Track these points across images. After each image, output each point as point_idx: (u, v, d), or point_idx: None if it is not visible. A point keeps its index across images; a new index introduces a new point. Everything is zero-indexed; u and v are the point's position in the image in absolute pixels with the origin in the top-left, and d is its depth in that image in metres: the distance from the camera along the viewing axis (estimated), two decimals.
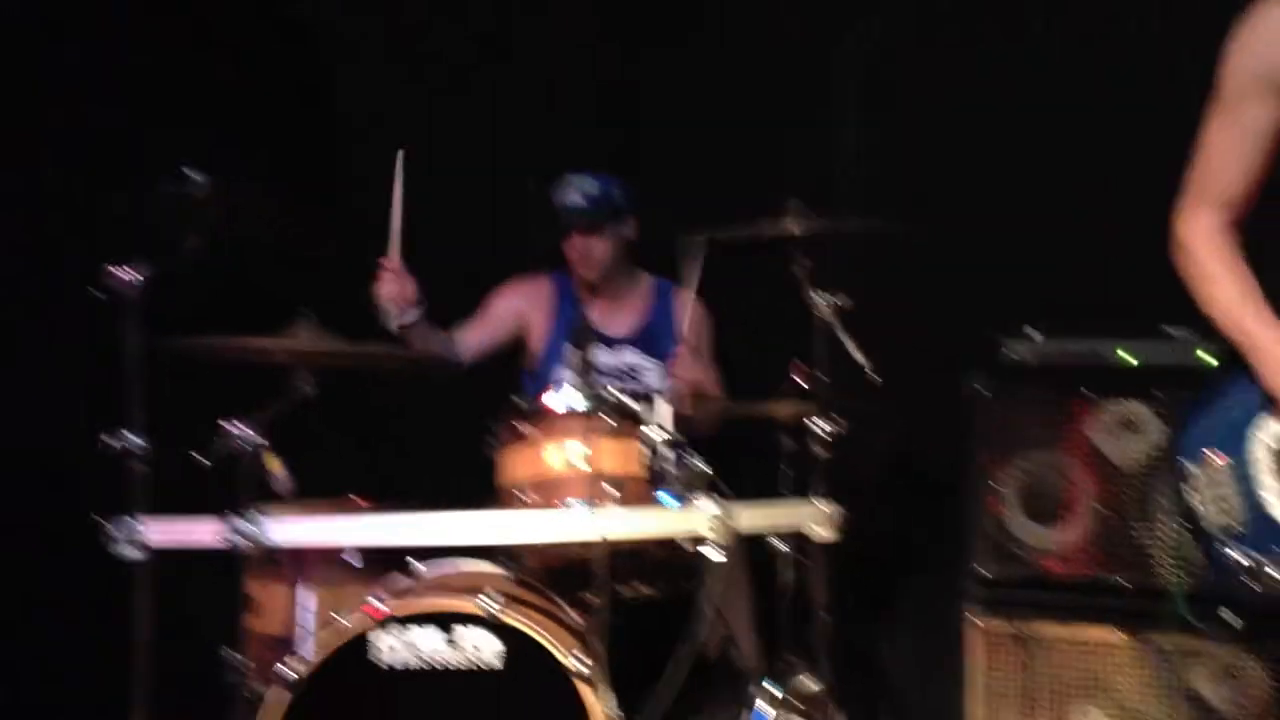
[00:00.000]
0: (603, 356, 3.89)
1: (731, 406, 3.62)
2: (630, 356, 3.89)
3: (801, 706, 3.10)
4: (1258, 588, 2.18)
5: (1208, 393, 2.35)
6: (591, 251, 3.83)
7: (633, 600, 3.24)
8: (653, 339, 3.90)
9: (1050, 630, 3.20)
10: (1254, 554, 2.19)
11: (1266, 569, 2.17)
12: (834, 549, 2.98)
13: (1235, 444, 2.25)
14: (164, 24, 4.12)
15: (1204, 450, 2.28)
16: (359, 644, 2.85)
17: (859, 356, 2.87)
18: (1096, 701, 3.15)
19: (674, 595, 3.15)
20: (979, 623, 3.26)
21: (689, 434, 3.65)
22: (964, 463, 3.28)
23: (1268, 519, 2.19)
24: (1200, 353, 3.02)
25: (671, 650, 2.93)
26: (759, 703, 3.21)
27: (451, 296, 3.78)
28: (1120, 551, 3.15)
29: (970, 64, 3.67)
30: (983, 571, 3.27)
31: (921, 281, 3.67)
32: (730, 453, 3.57)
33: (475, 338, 3.94)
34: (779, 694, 3.11)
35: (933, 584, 3.43)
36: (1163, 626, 3.02)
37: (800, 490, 2.99)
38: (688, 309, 3.72)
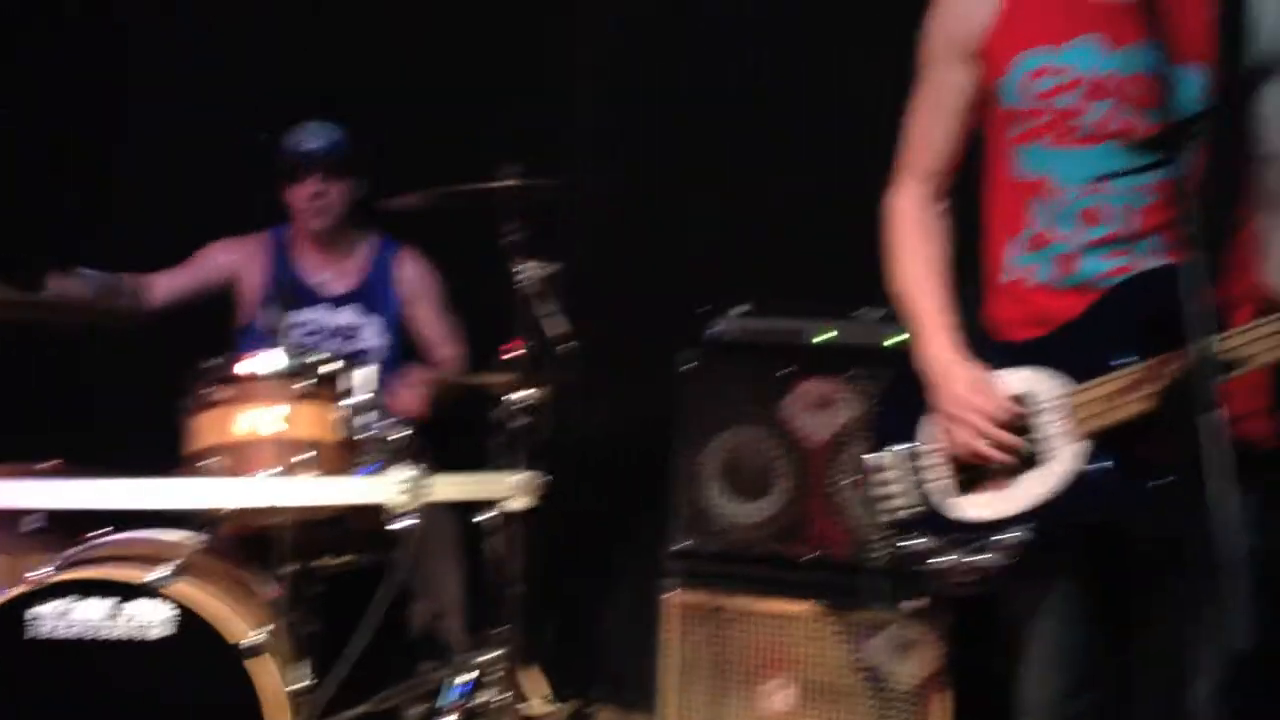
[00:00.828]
0: (321, 315, 3.78)
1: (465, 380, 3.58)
2: (349, 315, 3.78)
3: (503, 680, 3.09)
4: (930, 571, 2.23)
5: (892, 378, 2.39)
6: (325, 199, 3.72)
7: (336, 569, 3.16)
8: (373, 296, 3.81)
9: (744, 604, 3.25)
10: (926, 540, 2.23)
11: (939, 557, 2.21)
12: (545, 521, 2.97)
13: (910, 428, 2.29)
14: None
15: (885, 439, 2.32)
16: (14, 615, 2.68)
17: (560, 327, 2.84)
18: (787, 673, 3.22)
19: (376, 565, 3.07)
20: (674, 595, 3.30)
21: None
22: (669, 437, 3.30)
23: (934, 505, 2.24)
24: (888, 337, 3.11)
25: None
26: (460, 676, 3.20)
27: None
28: (815, 527, 3.22)
29: (692, 41, 3.69)
30: (681, 544, 3.31)
31: (635, 255, 3.68)
32: (441, 422, 3.54)
33: (172, 282, 3.77)
34: (480, 667, 3.09)
35: (640, 557, 3.45)
36: (851, 601, 3.11)
37: (509, 461, 2.96)
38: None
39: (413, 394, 3.51)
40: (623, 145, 3.75)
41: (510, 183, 2.90)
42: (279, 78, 4.07)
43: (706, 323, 3.33)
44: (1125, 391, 2.05)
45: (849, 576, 3.11)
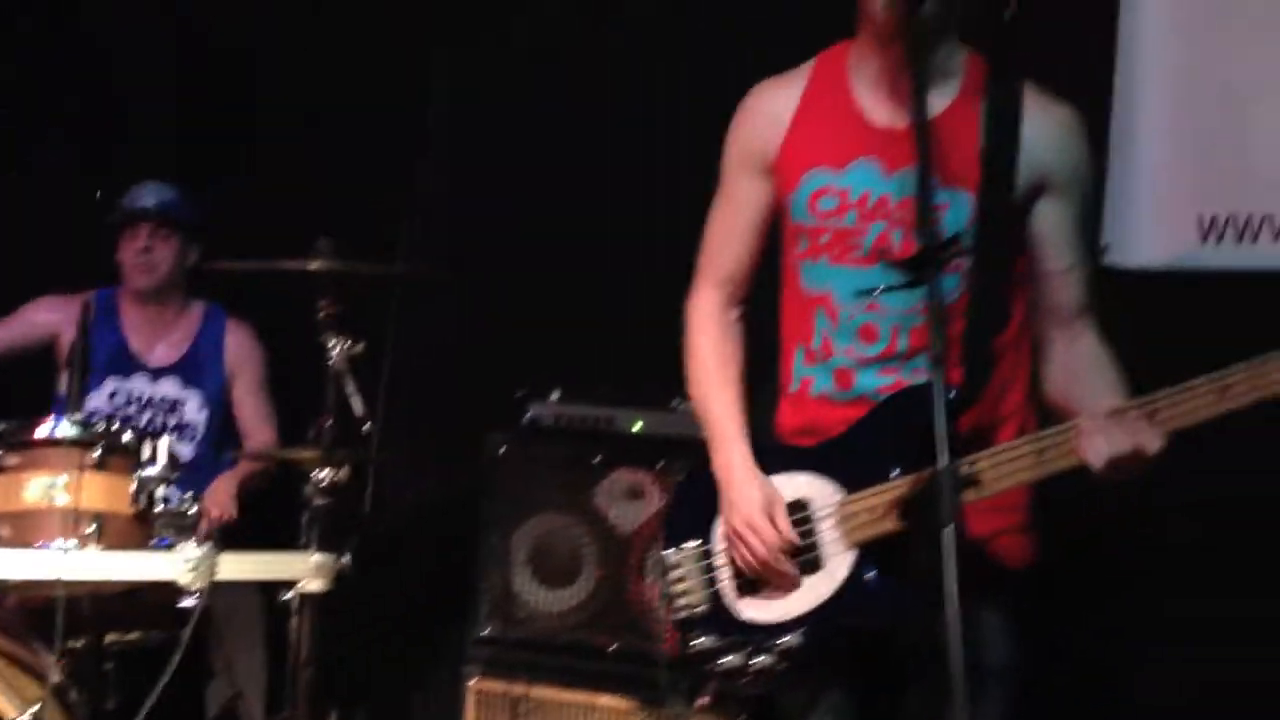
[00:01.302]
0: (143, 386, 3.71)
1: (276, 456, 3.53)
2: (170, 387, 3.72)
3: None
4: (716, 670, 2.23)
5: (686, 475, 2.43)
6: (154, 258, 3.68)
7: (126, 646, 3.06)
8: (197, 369, 3.75)
9: (546, 693, 3.22)
10: (712, 640, 2.24)
11: (722, 658, 2.22)
12: (350, 603, 2.91)
13: (704, 527, 2.31)
14: None
15: (679, 537, 2.33)
16: None
17: (358, 408, 2.81)
18: None
19: (171, 642, 2.98)
20: (475, 683, 3.25)
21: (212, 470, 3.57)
22: (479, 521, 3.27)
23: (723, 605, 2.25)
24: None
25: (169, 698, 2.77)
26: None
27: None
28: (620, 617, 3.21)
29: (520, 132, 3.75)
30: (485, 631, 3.27)
31: (454, 336, 3.68)
32: (251, 497, 3.48)
33: None
34: None
35: (446, 643, 3.41)
36: (654, 695, 3.09)
37: (317, 540, 2.90)
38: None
39: (224, 503, 3.47)
40: (447, 229, 3.77)
41: (326, 260, 2.88)
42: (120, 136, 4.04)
43: (521, 407, 3.32)
44: (889, 504, 2.11)
45: (653, 670, 3.09)
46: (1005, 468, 2.06)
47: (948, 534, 1.78)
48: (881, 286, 2.12)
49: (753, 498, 2.22)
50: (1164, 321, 2.95)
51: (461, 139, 3.87)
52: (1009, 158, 2.15)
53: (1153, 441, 1.99)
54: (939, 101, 2.15)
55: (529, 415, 3.34)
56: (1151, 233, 3.12)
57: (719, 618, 2.24)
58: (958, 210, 2.15)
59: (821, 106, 2.26)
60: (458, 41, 3.92)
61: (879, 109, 2.22)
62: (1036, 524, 2.26)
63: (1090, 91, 3.09)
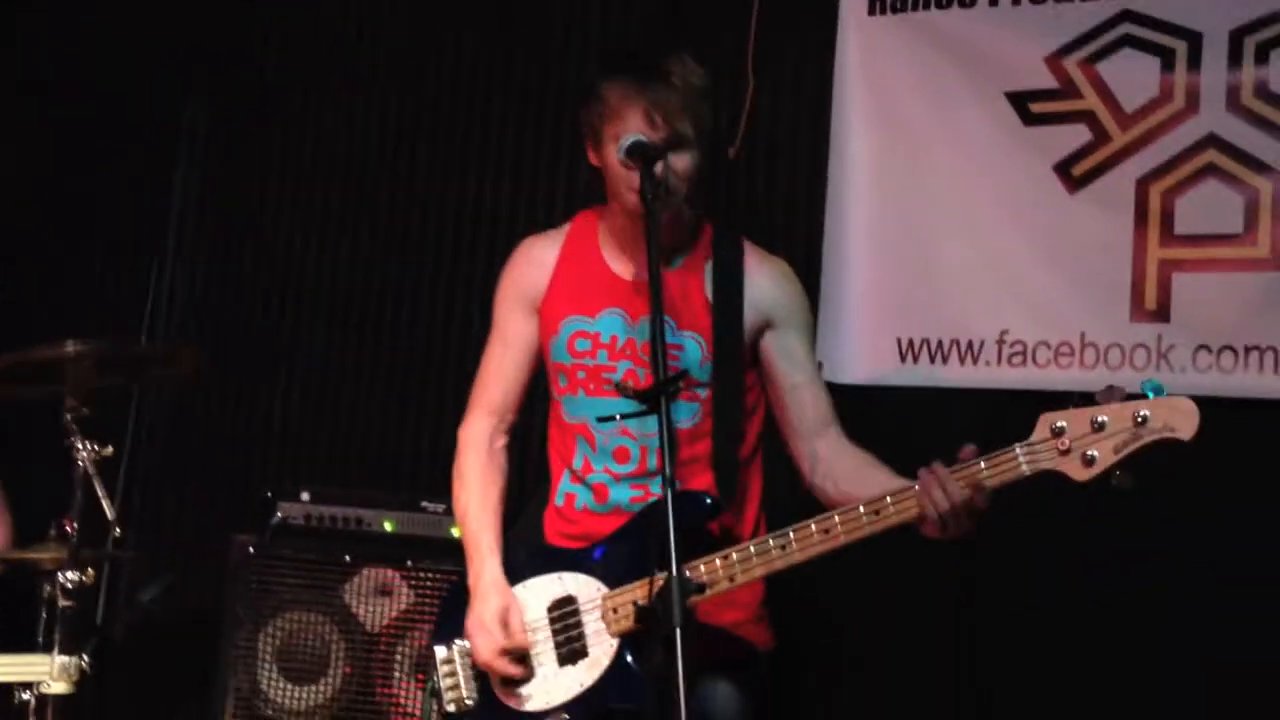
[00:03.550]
0: None
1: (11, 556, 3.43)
2: None
3: None
4: None
5: (458, 579, 2.59)
6: None
7: None
8: None
9: None
10: None
11: None
12: (93, 705, 2.89)
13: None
14: None
15: (448, 635, 2.51)
16: None
17: (109, 510, 2.83)
18: None
19: None
20: None
21: None
22: (225, 619, 3.30)
23: (493, 699, 2.45)
24: (453, 529, 3.27)
25: None
26: None
27: None
28: (368, 712, 3.29)
29: (273, 227, 3.86)
30: None
31: (207, 437, 3.71)
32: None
33: None
34: None
35: None
36: None
37: (60, 641, 2.87)
38: None
39: None
40: (198, 326, 3.81)
41: (73, 359, 2.89)
42: None
43: (269, 507, 3.38)
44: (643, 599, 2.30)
45: None
46: (725, 571, 2.33)
47: (678, 635, 2.03)
48: (619, 414, 2.37)
49: (489, 606, 2.45)
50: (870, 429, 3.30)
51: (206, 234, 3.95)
52: (734, 304, 2.52)
53: (981, 497, 2.26)
54: (677, 259, 2.54)
55: (278, 515, 3.40)
56: (857, 353, 3.46)
57: (488, 708, 2.45)
58: (692, 351, 2.51)
59: (576, 261, 2.59)
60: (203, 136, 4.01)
61: (623, 265, 2.56)
62: (768, 615, 2.56)
63: (803, 231, 3.46)
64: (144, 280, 3.83)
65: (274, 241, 3.86)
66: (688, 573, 2.19)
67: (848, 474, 2.48)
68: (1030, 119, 3.34)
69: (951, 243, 3.40)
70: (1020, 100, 3.35)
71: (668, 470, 2.13)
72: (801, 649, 2.92)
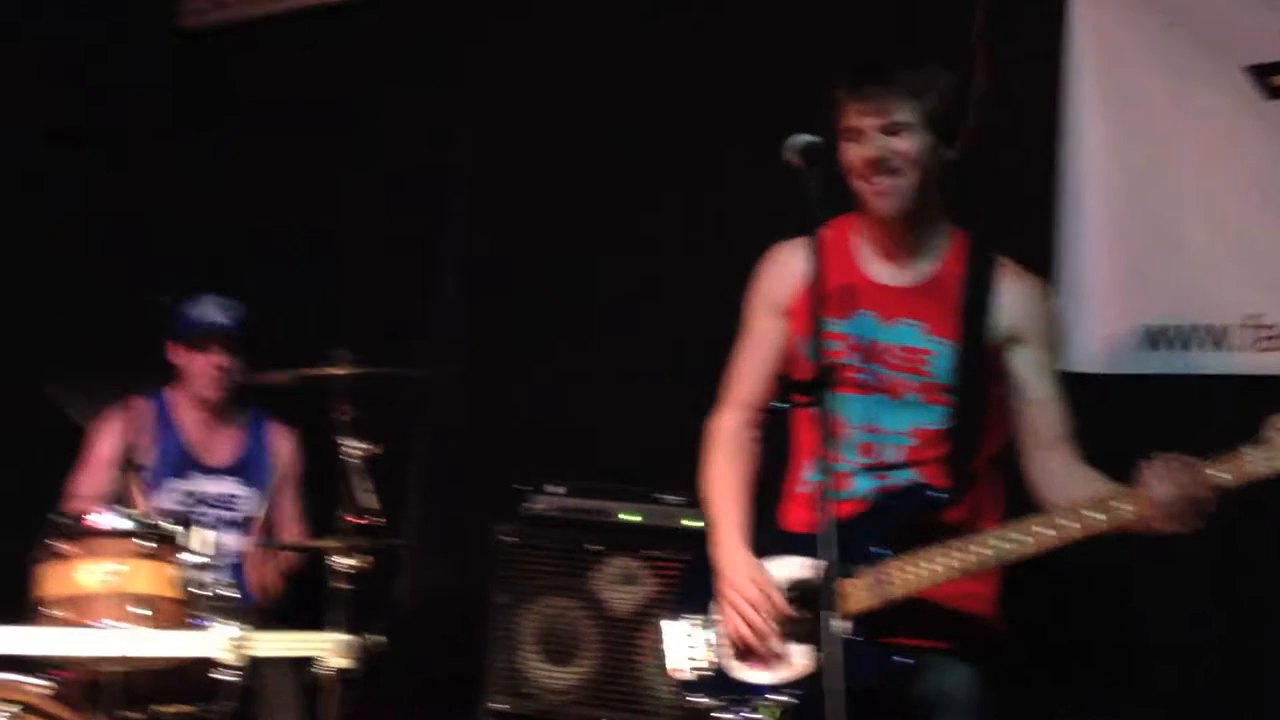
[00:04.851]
0: (203, 484, 3.99)
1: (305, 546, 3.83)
2: (230, 485, 4.01)
3: None
4: None
5: (693, 560, 2.79)
6: (227, 369, 3.94)
7: (172, 717, 3.35)
8: (251, 469, 4.04)
9: None
10: (711, 698, 2.60)
11: (720, 715, 2.57)
12: (372, 680, 3.19)
13: (705, 603, 2.68)
14: None
15: (685, 610, 2.70)
16: None
17: (370, 503, 3.14)
18: None
19: (214, 715, 3.29)
20: None
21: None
22: (488, 604, 3.58)
23: (722, 671, 2.61)
24: (684, 520, 3.47)
25: None
26: None
27: None
28: (620, 693, 3.49)
29: (528, 246, 4.12)
30: (496, 705, 3.56)
31: (471, 433, 4.02)
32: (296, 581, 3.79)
33: (91, 485, 3.90)
34: None
35: (458, 716, 3.68)
36: None
37: (342, 621, 3.18)
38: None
39: (270, 578, 3.77)
40: (463, 335, 4.12)
41: (343, 369, 3.24)
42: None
43: (524, 500, 3.65)
44: (875, 582, 2.50)
45: None
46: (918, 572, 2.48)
47: (828, 619, 2.16)
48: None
49: (743, 573, 2.60)
50: (1112, 418, 3.25)
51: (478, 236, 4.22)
52: (984, 315, 2.62)
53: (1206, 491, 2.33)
54: (929, 267, 2.67)
55: (532, 507, 3.67)
56: (1099, 342, 3.40)
57: (719, 680, 2.61)
58: (943, 357, 2.61)
59: (829, 264, 2.68)
60: (477, 149, 4.28)
61: (875, 268, 2.69)
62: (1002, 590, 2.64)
63: (1035, 219, 3.43)
64: (414, 289, 4.18)
65: (536, 251, 4.13)
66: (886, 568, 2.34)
67: (1077, 489, 2.52)
68: (1272, 93, 3.20)
69: (1194, 225, 3.31)
70: (1260, 74, 3.21)
71: (828, 457, 2.26)
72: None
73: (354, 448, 3.20)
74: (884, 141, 2.54)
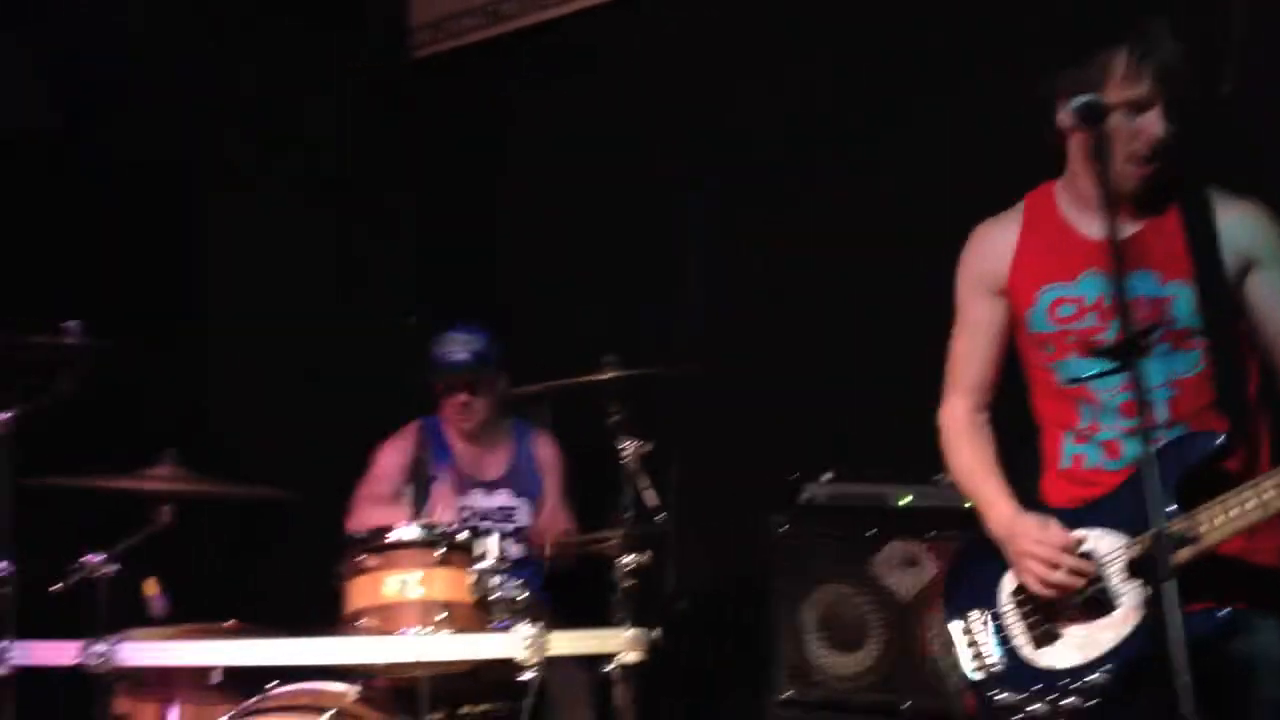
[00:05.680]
0: (481, 499, 4.16)
1: (578, 541, 3.93)
2: (504, 498, 4.18)
3: None
4: None
5: (963, 549, 2.74)
6: (473, 408, 4.11)
7: (474, 716, 3.49)
8: (521, 479, 4.20)
9: None
10: (1015, 693, 2.52)
11: (1030, 707, 2.50)
12: (658, 673, 3.27)
13: (988, 595, 2.61)
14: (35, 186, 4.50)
15: (965, 609, 2.63)
16: None
17: (651, 499, 3.20)
18: None
19: (513, 713, 3.42)
20: None
21: (539, 565, 4.01)
22: (767, 594, 3.60)
23: (1021, 661, 2.54)
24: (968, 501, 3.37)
25: None
26: None
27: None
28: (910, 677, 3.45)
29: (783, 227, 4.12)
30: (785, 694, 3.58)
31: (732, 428, 4.05)
32: (566, 581, 3.91)
33: (374, 499, 4.10)
34: None
35: (744, 706, 3.72)
36: None
37: (629, 617, 3.26)
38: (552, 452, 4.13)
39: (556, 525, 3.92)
40: (719, 333, 4.16)
41: (612, 373, 3.32)
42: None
43: (796, 489, 3.66)
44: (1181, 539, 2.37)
45: None
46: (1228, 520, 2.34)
47: (1168, 589, 2.08)
48: (1089, 374, 2.42)
49: (1031, 523, 2.54)
50: None
51: (723, 252, 4.29)
52: (1213, 249, 2.50)
53: None
54: (1148, 212, 2.53)
55: (804, 496, 3.68)
56: None
57: (1018, 672, 2.53)
58: (1183, 300, 2.50)
59: (1041, 233, 2.64)
60: (712, 154, 4.34)
61: (1093, 227, 2.56)
62: None
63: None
64: (668, 293, 4.26)
65: (782, 243, 4.15)
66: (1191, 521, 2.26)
67: None
68: None
69: None
70: None
71: (1145, 423, 2.17)
72: None
73: (628, 447, 3.28)
74: (1157, 120, 2.42)
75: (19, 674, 3.17)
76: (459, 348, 4.07)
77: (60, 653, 3.20)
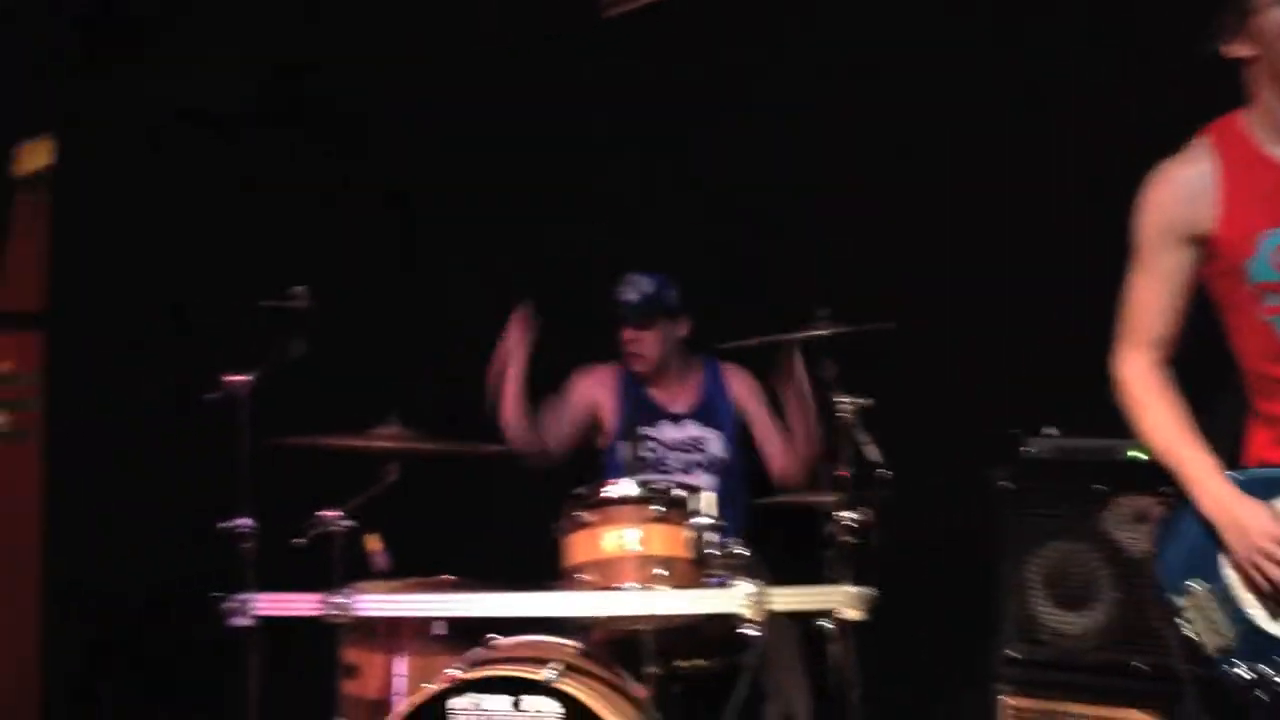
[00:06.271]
0: (669, 431, 4.21)
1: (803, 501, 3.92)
2: (693, 429, 4.21)
3: None
4: (1266, 697, 2.39)
5: (1173, 518, 2.56)
6: (640, 345, 4.17)
7: (691, 671, 3.52)
8: (711, 411, 4.24)
9: (1076, 710, 3.38)
10: (1256, 667, 2.41)
11: (1273, 678, 2.39)
12: (877, 631, 3.24)
13: (1209, 567, 2.48)
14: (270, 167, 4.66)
15: (1185, 581, 2.50)
16: (437, 708, 3.21)
17: (873, 455, 3.15)
18: None
19: (729, 669, 3.44)
20: (1009, 701, 3.48)
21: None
22: (992, 552, 3.51)
23: (1259, 631, 2.41)
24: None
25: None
26: None
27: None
28: (1142, 636, 3.33)
29: (1000, 173, 3.99)
30: (1012, 653, 3.49)
31: (951, 381, 3.96)
32: (780, 537, 3.89)
33: (561, 430, 4.27)
34: None
35: (968, 665, 3.64)
36: (1180, 707, 3.20)
37: (849, 574, 3.24)
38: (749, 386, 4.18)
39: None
40: (934, 283, 4.06)
41: (823, 329, 3.29)
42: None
43: (1018, 443, 3.56)
44: None
45: (1177, 686, 3.19)
46: None
47: None
48: None
49: (1254, 522, 2.39)
50: None
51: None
52: None
53: None
54: None
55: (1027, 450, 3.57)
56: None
57: (1257, 644, 2.40)
58: None
59: (1246, 173, 2.44)
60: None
61: None
62: None
63: None
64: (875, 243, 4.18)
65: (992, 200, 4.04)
66: None
67: None
68: None
69: None
70: None
71: None
72: None
73: (846, 403, 3.24)
74: None
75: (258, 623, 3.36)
76: (630, 289, 4.16)
77: (301, 604, 3.37)
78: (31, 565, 4.92)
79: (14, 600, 4.91)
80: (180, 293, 4.77)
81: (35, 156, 4.91)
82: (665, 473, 4.13)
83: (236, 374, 3.39)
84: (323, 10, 4.95)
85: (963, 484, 3.58)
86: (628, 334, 4.19)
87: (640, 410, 4.23)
